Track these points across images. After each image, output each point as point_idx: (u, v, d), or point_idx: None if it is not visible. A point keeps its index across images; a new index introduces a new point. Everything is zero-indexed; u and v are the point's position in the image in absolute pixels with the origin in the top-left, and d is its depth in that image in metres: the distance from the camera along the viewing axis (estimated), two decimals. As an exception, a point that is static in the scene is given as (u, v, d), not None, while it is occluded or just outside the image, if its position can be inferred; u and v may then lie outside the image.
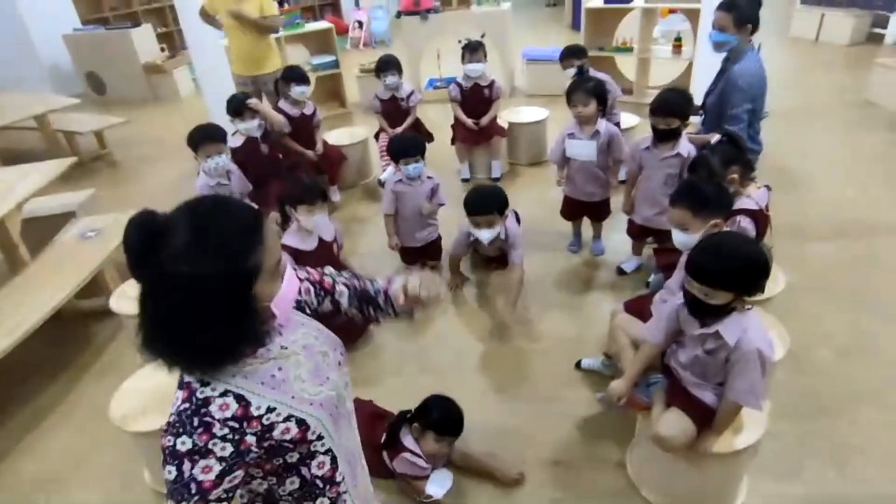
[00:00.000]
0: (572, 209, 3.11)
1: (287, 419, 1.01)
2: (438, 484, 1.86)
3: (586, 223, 3.21)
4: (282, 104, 3.73)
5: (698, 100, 3.05)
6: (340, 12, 9.85)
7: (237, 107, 3.27)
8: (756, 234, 1.99)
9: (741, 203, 2.05)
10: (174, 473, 0.92)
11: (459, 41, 3.87)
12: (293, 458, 1.05)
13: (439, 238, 3.13)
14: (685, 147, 2.53)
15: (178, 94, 6.87)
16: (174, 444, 0.93)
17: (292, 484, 1.08)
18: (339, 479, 1.12)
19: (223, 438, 0.94)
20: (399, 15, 5.74)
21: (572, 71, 3.47)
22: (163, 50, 7.31)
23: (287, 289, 1.01)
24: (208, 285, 0.88)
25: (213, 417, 0.94)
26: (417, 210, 2.96)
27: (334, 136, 4.18)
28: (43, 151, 4.93)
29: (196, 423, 0.94)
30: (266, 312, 0.97)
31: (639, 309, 2.08)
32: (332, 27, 5.67)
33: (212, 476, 0.93)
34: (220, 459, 0.93)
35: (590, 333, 2.60)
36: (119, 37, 6.70)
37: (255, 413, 0.98)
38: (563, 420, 2.19)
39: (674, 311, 1.66)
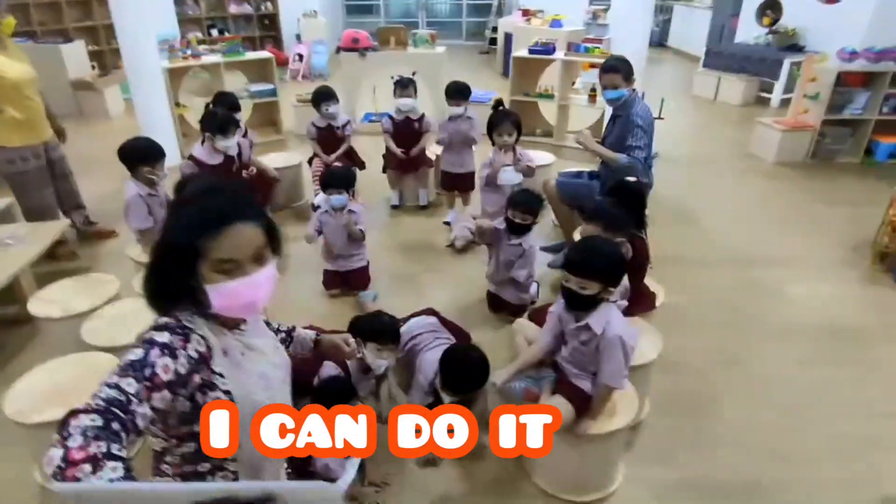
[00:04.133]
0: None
1: (226, 392, 1.13)
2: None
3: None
4: (202, 150, 3.51)
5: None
6: (281, 44, 10.06)
7: (223, 123, 3.25)
8: (634, 254, 2.30)
9: None
10: (140, 355, 1.01)
11: (392, 77, 4.15)
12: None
13: (365, 267, 3.24)
14: (529, 242, 2.88)
15: (107, 112, 6.77)
16: (153, 336, 1.05)
17: (188, 448, 1.16)
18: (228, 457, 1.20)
19: (188, 358, 1.06)
20: (339, 51, 6.01)
21: (459, 109, 3.86)
22: (94, 68, 7.22)
23: (240, 291, 1.12)
24: (170, 237, 1.10)
25: (190, 339, 1.09)
26: (340, 238, 3.10)
27: (268, 160, 4.30)
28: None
29: (179, 331, 1.08)
30: (203, 295, 1.11)
31: (541, 318, 2.35)
32: (272, 57, 5.85)
33: (165, 378, 1.01)
34: (176, 372, 1.03)
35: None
36: (48, 51, 6.58)
37: (212, 366, 1.12)
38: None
39: (556, 315, 1.94)
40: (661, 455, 2.23)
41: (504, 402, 2.01)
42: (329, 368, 2.21)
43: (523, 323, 2.22)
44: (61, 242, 3.63)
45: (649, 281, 2.60)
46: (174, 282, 1.12)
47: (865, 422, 2.40)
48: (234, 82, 6.01)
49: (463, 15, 12.58)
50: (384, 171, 4.32)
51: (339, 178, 3.05)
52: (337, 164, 4.09)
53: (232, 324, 1.21)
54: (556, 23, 7.84)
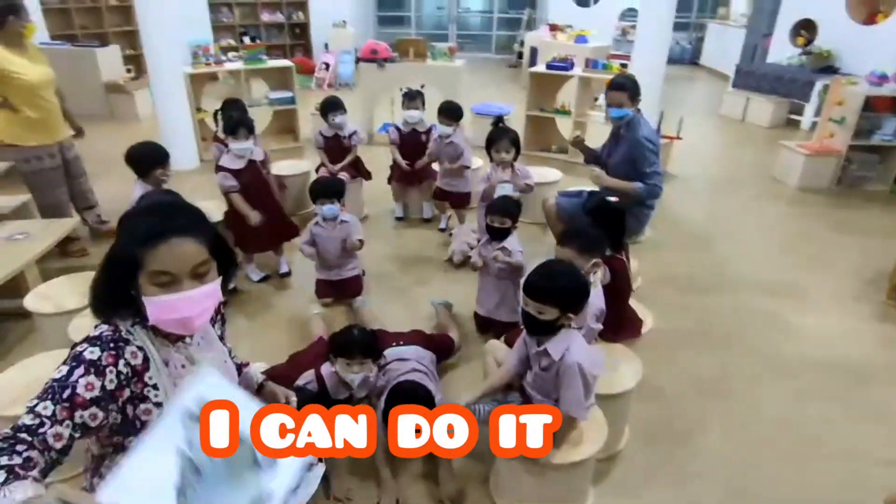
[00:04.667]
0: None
1: (157, 405, 1.15)
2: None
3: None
4: (226, 158, 3.38)
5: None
6: (311, 53, 10.27)
7: (234, 126, 3.16)
8: (613, 277, 2.24)
9: None
10: (62, 374, 1.06)
11: (401, 89, 4.17)
12: (132, 442, 1.15)
13: (358, 276, 3.26)
14: (510, 244, 2.81)
15: (137, 115, 7.00)
16: (83, 351, 1.09)
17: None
18: None
19: (118, 375, 1.10)
20: (358, 61, 6.09)
21: (448, 129, 3.87)
22: (129, 71, 7.49)
23: (174, 305, 1.12)
24: (115, 247, 1.14)
25: (124, 352, 1.12)
26: (333, 249, 3.10)
27: (278, 167, 4.38)
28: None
29: (112, 345, 1.11)
30: (142, 305, 1.13)
31: (514, 340, 2.30)
32: (291, 66, 5.95)
33: (88, 396, 1.05)
34: (102, 388, 1.07)
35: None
36: (84, 54, 6.86)
37: (146, 378, 1.14)
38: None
39: (522, 339, 1.90)
40: (634, 486, 2.15)
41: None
42: (306, 378, 2.21)
43: (495, 344, 2.18)
44: (73, 239, 3.76)
45: (637, 306, 2.53)
46: (116, 290, 1.15)
47: (852, 468, 2.26)
48: (259, 89, 6.17)
49: (493, 28, 12.64)
50: (389, 182, 4.34)
51: (328, 188, 3.05)
52: (343, 174, 4.12)
53: (175, 336, 1.23)
54: (581, 38, 7.80)
